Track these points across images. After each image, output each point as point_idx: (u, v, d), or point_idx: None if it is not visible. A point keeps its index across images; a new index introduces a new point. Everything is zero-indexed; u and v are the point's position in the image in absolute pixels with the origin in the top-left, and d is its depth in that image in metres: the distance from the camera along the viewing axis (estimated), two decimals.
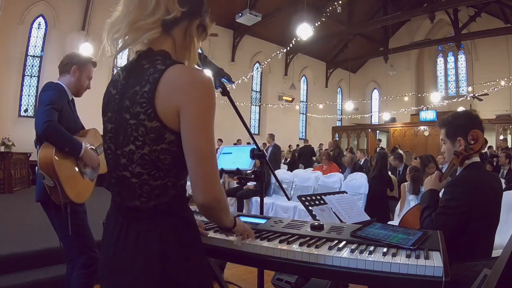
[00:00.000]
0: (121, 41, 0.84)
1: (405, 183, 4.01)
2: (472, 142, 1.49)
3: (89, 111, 2.84)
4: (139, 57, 0.87)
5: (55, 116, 1.66)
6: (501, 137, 10.55)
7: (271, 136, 7.60)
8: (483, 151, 8.47)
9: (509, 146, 9.29)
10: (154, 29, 0.84)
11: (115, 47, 0.85)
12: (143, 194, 0.83)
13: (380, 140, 13.97)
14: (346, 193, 2.08)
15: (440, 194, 1.57)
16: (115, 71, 0.92)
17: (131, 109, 0.82)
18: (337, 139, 15.00)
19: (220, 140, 9.48)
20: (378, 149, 10.34)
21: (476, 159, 1.54)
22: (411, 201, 3.74)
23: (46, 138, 1.66)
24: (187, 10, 0.86)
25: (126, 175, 0.84)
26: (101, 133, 2.15)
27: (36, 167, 1.77)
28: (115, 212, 0.91)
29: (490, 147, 8.98)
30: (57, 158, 1.65)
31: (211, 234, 1.15)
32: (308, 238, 1.10)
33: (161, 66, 0.82)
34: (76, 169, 1.78)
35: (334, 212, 1.77)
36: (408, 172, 4.07)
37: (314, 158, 9.81)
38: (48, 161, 1.63)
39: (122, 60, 1.17)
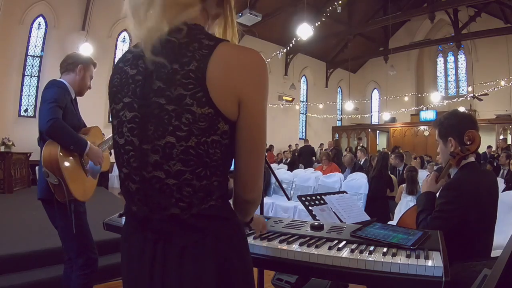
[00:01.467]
0: (153, 21, 0.67)
1: (403, 185, 4.01)
2: (468, 142, 1.47)
3: (89, 110, 2.83)
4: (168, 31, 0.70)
5: (59, 114, 1.65)
6: (501, 137, 10.54)
7: None
8: (482, 151, 8.47)
9: (510, 144, 9.25)
10: (193, 6, 0.70)
11: (142, 29, 0.68)
12: (183, 199, 0.67)
13: (360, 139, 13.86)
14: (346, 193, 2.08)
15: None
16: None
17: (168, 92, 0.65)
18: (337, 138, 14.96)
19: None
20: (359, 148, 10.20)
21: (472, 159, 1.52)
22: (410, 201, 3.73)
23: (52, 136, 1.64)
24: None
25: (158, 176, 0.67)
26: (103, 130, 2.14)
27: (38, 167, 1.77)
28: (138, 228, 0.72)
29: (489, 147, 8.98)
30: (62, 155, 1.65)
31: None
32: (308, 238, 1.10)
33: (209, 41, 0.67)
34: (80, 167, 1.78)
35: (334, 212, 1.76)
36: (405, 172, 4.07)
37: (314, 158, 9.79)
38: (53, 158, 1.62)
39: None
